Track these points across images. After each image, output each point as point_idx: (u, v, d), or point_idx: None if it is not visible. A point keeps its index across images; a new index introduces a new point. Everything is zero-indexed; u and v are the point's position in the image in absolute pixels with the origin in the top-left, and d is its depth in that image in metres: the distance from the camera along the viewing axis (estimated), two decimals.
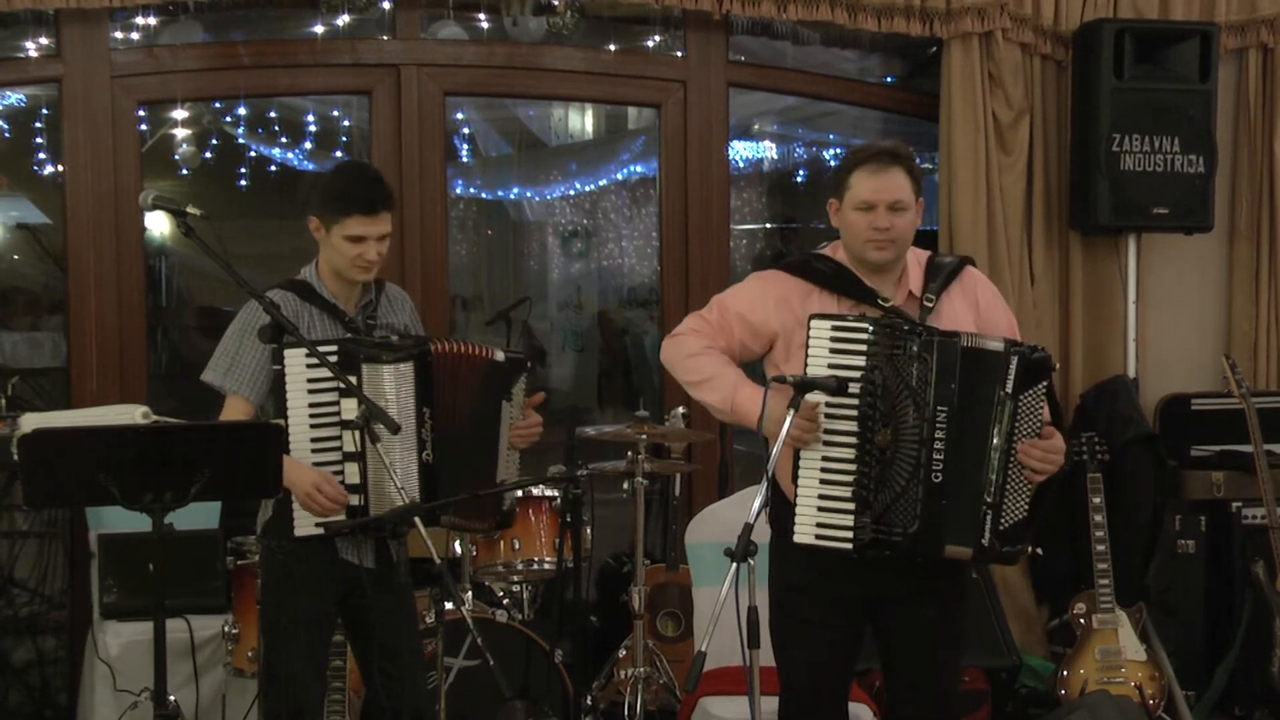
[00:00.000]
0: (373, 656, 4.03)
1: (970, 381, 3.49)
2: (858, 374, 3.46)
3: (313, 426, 3.90)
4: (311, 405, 3.90)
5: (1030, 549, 6.09)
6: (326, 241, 3.99)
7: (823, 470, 3.49)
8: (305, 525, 3.89)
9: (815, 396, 3.47)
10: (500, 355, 4.19)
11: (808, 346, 3.52)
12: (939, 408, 3.44)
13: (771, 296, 3.75)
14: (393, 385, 3.94)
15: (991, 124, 6.06)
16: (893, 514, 3.45)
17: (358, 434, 3.83)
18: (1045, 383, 3.55)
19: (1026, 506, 3.54)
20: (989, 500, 3.47)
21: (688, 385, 3.80)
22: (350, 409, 3.82)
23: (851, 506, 3.46)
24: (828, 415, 3.49)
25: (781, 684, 3.74)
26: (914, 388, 3.45)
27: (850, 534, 3.46)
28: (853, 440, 3.47)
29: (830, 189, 3.78)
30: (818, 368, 3.49)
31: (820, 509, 3.49)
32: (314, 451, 3.90)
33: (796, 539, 3.50)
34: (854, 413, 3.47)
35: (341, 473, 3.88)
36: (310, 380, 3.89)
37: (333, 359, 3.82)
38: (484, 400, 4.15)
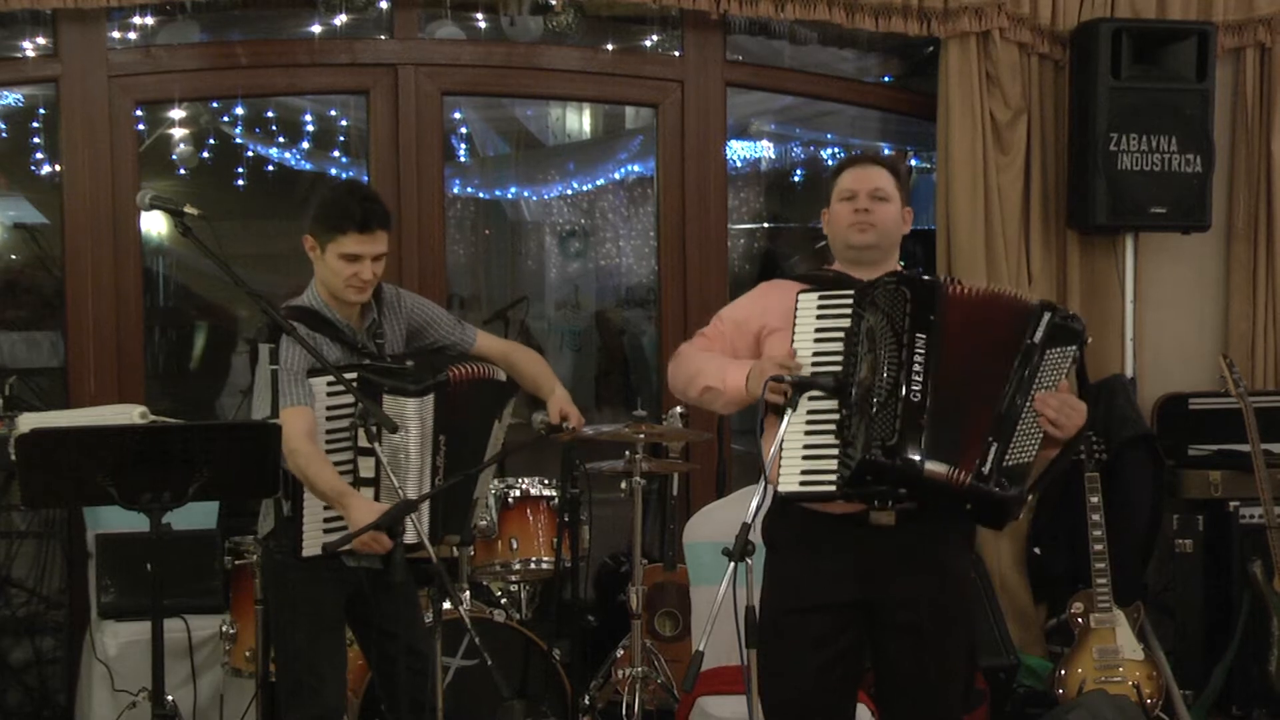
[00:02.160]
0: (393, 654, 4.02)
1: (991, 325, 3.54)
2: (842, 334, 3.52)
3: (328, 452, 3.91)
4: (328, 432, 3.92)
5: (1029, 548, 6.12)
6: (321, 261, 3.97)
7: (809, 423, 3.50)
8: (313, 547, 3.91)
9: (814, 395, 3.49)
10: (503, 376, 4.23)
11: (795, 322, 3.58)
12: (917, 334, 3.46)
13: (763, 301, 3.84)
14: (415, 416, 3.96)
15: (989, 123, 6.06)
16: (871, 433, 3.44)
17: (374, 460, 3.84)
18: (1075, 349, 3.58)
19: (1034, 450, 3.54)
20: (996, 433, 3.48)
21: (687, 384, 3.82)
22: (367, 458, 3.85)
23: (835, 452, 3.47)
24: (814, 370, 3.52)
25: (772, 707, 3.68)
26: (891, 316, 3.48)
27: (834, 476, 3.47)
28: (835, 397, 3.50)
29: (822, 186, 3.91)
30: (805, 337, 3.55)
31: (805, 457, 3.50)
32: None
33: (781, 489, 3.49)
34: (838, 368, 3.50)
35: None
36: (329, 408, 3.91)
37: (353, 386, 3.82)
38: (483, 420, 4.18)
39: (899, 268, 3.83)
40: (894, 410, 3.43)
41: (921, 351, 3.46)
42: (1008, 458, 3.48)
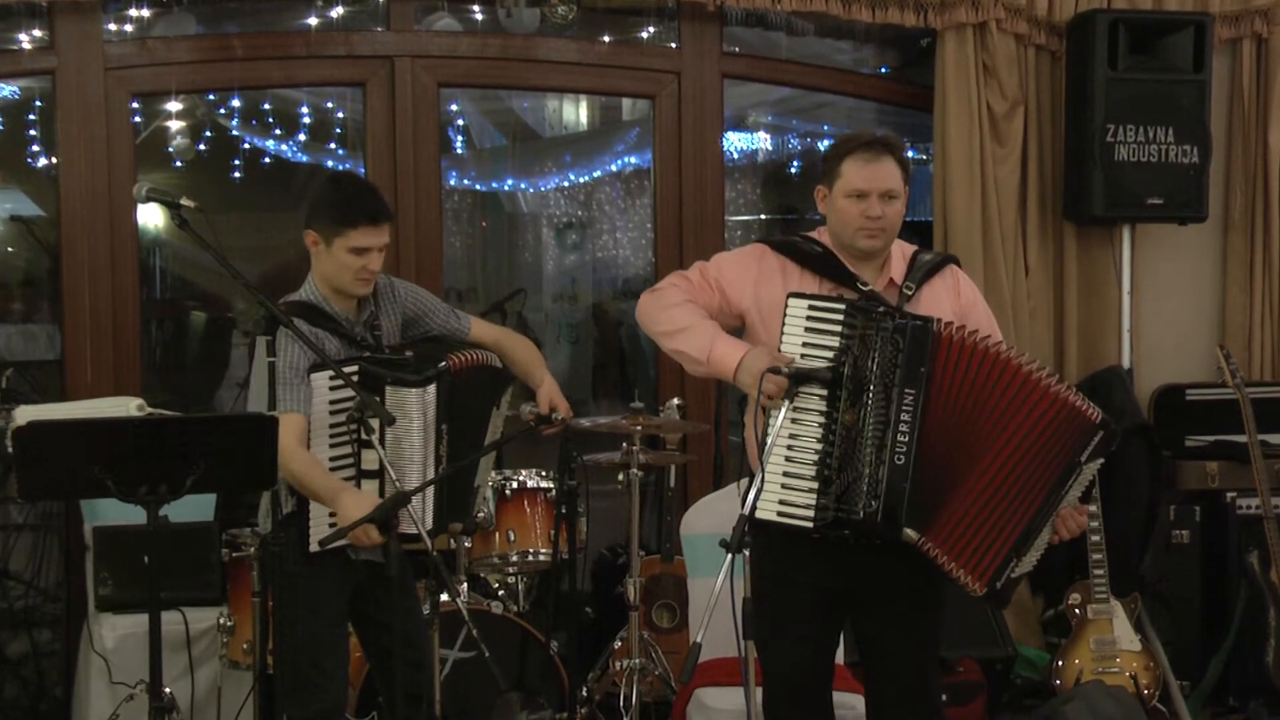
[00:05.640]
0: (390, 646, 4.02)
1: (1047, 435, 3.48)
2: (830, 354, 3.46)
3: (331, 445, 3.91)
4: (331, 426, 3.92)
5: None
6: (327, 255, 3.97)
7: (789, 448, 3.47)
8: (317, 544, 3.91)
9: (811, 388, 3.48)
10: (499, 363, 4.24)
11: (783, 324, 3.51)
12: (906, 390, 3.42)
13: (753, 275, 3.76)
14: (418, 407, 3.96)
15: (986, 115, 6.06)
16: (854, 493, 3.43)
17: (375, 453, 3.83)
18: (1102, 461, 3.56)
19: (1035, 561, 3.57)
20: (1019, 549, 3.49)
21: (663, 335, 3.73)
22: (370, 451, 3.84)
23: (814, 486, 3.45)
24: (799, 393, 3.48)
25: (764, 673, 3.73)
26: (883, 368, 3.44)
27: (811, 512, 3.45)
28: (820, 419, 3.46)
29: (819, 176, 3.79)
30: (792, 345, 3.49)
31: (784, 486, 3.47)
32: (330, 470, 3.91)
33: (758, 515, 3.43)
34: (823, 392, 3.46)
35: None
36: (331, 402, 3.91)
37: (354, 380, 3.82)
38: (483, 408, 4.18)
39: (888, 256, 3.75)
40: (879, 475, 3.41)
41: (909, 409, 3.41)
42: (1017, 571, 3.50)
